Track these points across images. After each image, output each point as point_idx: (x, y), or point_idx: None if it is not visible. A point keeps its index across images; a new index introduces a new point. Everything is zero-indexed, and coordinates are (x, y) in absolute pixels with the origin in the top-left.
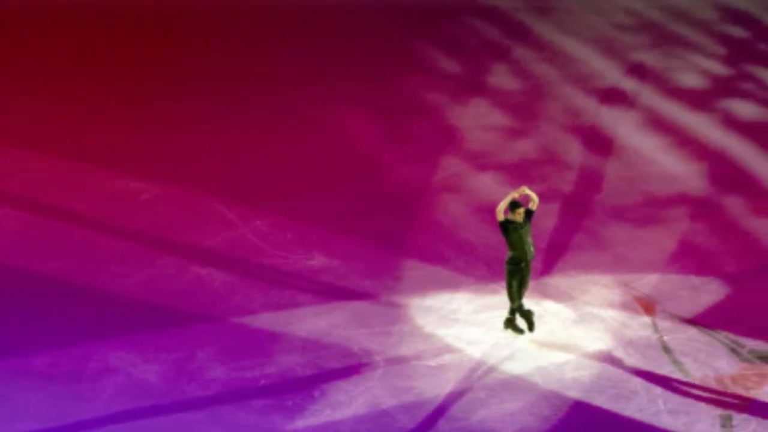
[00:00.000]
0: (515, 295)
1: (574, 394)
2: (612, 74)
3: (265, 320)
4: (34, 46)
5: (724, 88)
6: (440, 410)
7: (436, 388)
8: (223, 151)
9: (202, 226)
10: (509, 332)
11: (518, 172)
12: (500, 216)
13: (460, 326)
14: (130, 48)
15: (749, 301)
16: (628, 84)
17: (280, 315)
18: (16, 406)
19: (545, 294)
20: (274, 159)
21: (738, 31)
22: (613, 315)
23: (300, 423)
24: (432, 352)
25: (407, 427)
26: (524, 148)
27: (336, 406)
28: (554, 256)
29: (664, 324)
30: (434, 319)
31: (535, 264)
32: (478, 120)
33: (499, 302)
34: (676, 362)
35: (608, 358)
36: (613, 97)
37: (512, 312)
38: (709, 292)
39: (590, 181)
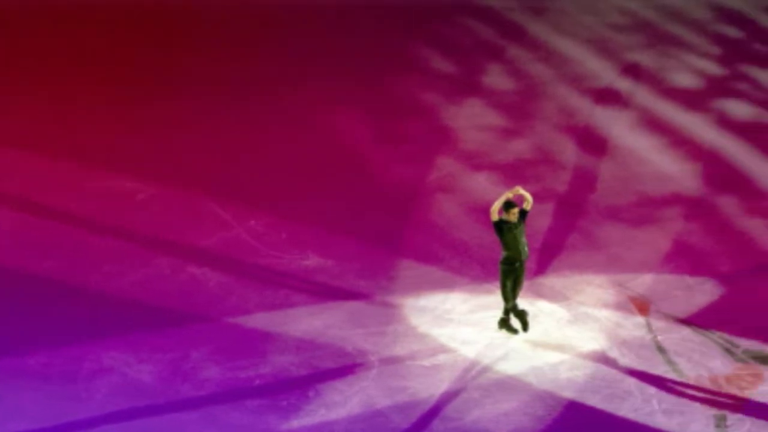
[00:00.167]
0: (509, 295)
1: (569, 394)
2: (606, 74)
3: (260, 320)
4: (30, 46)
5: (718, 88)
6: (434, 410)
7: (430, 388)
8: (218, 151)
9: (197, 226)
10: (503, 332)
11: (513, 172)
12: (494, 216)
13: (455, 326)
14: (126, 48)
15: (743, 301)
16: (623, 84)
17: (274, 315)
18: (10, 406)
19: (539, 294)
20: (268, 159)
21: (732, 31)
22: (607, 315)
23: (295, 423)
24: (426, 352)
25: (401, 427)
26: (519, 148)
27: (330, 406)
28: (548, 256)
29: (658, 324)
30: (428, 319)
31: (530, 264)
32: (472, 120)
33: (493, 302)
34: (670, 362)
35: (602, 358)
36: (607, 97)
37: (506, 312)
38: (703, 292)
39: (585, 181)
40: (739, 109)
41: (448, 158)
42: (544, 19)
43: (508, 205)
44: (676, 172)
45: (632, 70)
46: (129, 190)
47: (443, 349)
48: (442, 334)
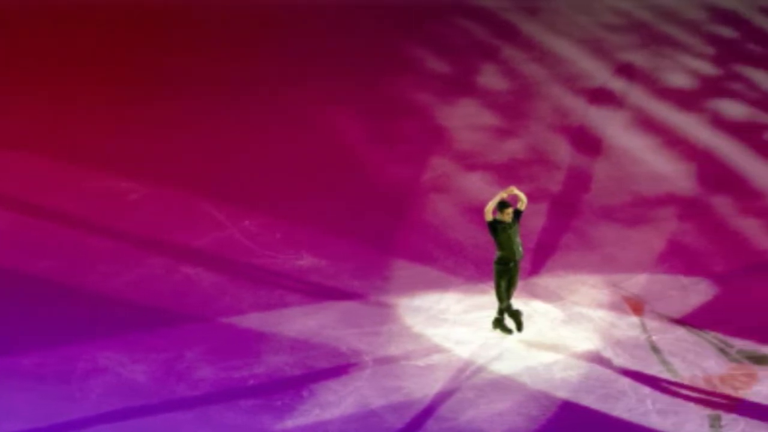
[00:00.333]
0: (504, 295)
1: (563, 394)
2: (601, 74)
3: (254, 320)
4: (25, 46)
5: (712, 88)
6: (429, 410)
7: (424, 388)
8: (213, 151)
9: (191, 226)
10: (498, 332)
11: (507, 172)
12: (489, 216)
13: (449, 326)
14: (122, 48)
15: (738, 301)
16: (617, 84)
17: (268, 315)
18: (4, 406)
19: (534, 294)
20: (262, 159)
21: (727, 31)
22: (601, 315)
23: (289, 423)
24: (421, 352)
25: (396, 427)
26: (513, 148)
27: (325, 406)
28: (543, 256)
29: (652, 324)
30: (423, 319)
31: (524, 264)
32: (466, 120)
33: (487, 302)
34: (664, 362)
35: (597, 358)
36: (601, 97)
37: (501, 312)
38: (697, 292)
39: (579, 181)
40: (733, 109)
41: (443, 158)
42: (538, 19)
43: (502, 205)
44: (671, 172)
45: (626, 70)
46: (122, 191)
47: (438, 349)
48: (437, 334)
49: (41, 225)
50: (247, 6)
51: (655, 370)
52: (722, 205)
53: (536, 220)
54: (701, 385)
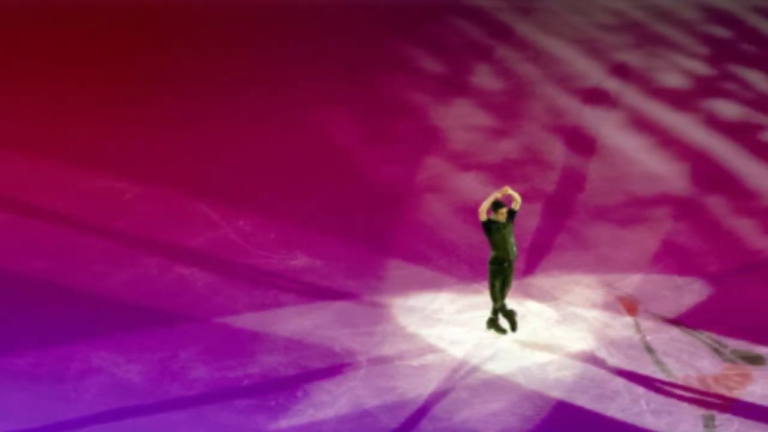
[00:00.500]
0: (498, 295)
1: (557, 394)
2: (595, 74)
3: (248, 320)
4: (23, 46)
5: (706, 88)
6: (423, 410)
7: (418, 388)
8: (207, 151)
9: (185, 226)
10: (492, 332)
11: (501, 172)
12: (483, 216)
13: (443, 326)
14: (114, 48)
15: (732, 301)
16: (611, 84)
17: (263, 315)
18: None
19: (528, 294)
20: (257, 159)
21: (721, 32)
22: (595, 315)
23: (283, 423)
24: (415, 352)
25: (390, 427)
26: (507, 148)
27: (319, 406)
28: (537, 256)
29: (646, 324)
30: (417, 319)
31: (518, 264)
32: (460, 120)
33: (481, 302)
34: (658, 362)
35: (591, 359)
36: (595, 97)
37: (495, 312)
38: (691, 292)
39: (573, 181)
40: (728, 109)
41: (437, 158)
42: (532, 19)
43: (496, 205)
44: (665, 172)
45: (620, 70)
46: (116, 190)
47: (432, 349)
48: (431, 334)
49: (35, 225)
50: (241, 7)
51: (649, 370)
52: (716, 205)
53: (530, 220)
54: (695, 385)
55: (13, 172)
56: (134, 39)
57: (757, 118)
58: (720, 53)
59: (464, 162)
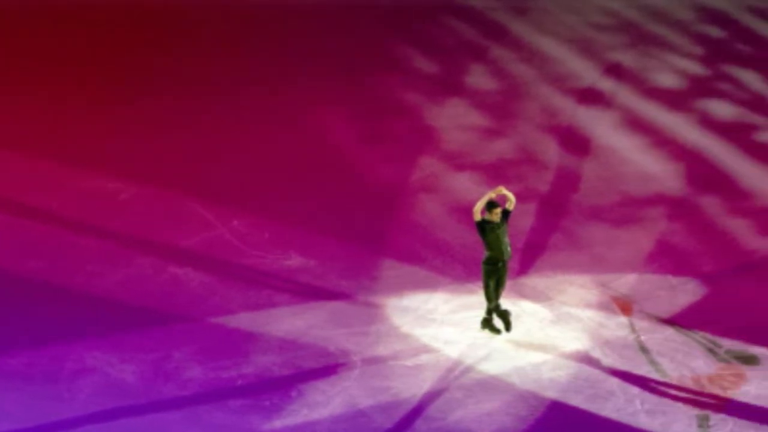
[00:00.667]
0: (492, 295)
1: (551, 394)
2: (589, 74)
3: (243, 320)
4: (22, 46)
5: (701, 88)
6: (417, 410)
7: (413, 388)
8: (201, 151)
9: (180, 226)
10: (486, 332)
11: (495, 172)
12: (477, 216)
13: (437, 326)
14: (114, 48)
15: (726, 301)
16: (606, 84)
17: (257, 315)
18: None
19: (522, 294)
20: (251, 159)
21: (715, 31)
22: (590, 315)
23: (277, 423)
24: (409, 352)
25: (384, 427)
26: (501, 148)
27: (313, 406)
28: (531, 256)
29: (641, 324)
30: (411, 319)
31: (512, 264)
32: (455, 120)
33: (476, 302)
34: (653, 362)
35: (585, 359)
36: (590, 97)
37: (489, 312)
38: (686, 292)
39: (567, 181)
40: (722, 109)
41: (431, 158)
42: (526, 19)
43: (490, 205)
44: (659, 172)
45: (615, 70)
46: (111, 190)
47: (426, 349)
48: (425, 334)
49: (29, 225)
50: (236, 7)
51: (643, 370)
52: (711, 205)
53: (525, 220)
54: (690, 385)
55: (7, 171)
56: (134, 39)
57: (751, 118)
58: (714, 53)
59: (459, 162)
